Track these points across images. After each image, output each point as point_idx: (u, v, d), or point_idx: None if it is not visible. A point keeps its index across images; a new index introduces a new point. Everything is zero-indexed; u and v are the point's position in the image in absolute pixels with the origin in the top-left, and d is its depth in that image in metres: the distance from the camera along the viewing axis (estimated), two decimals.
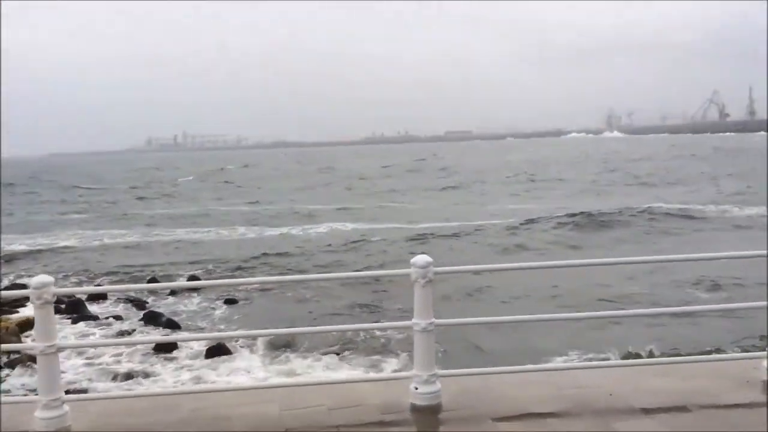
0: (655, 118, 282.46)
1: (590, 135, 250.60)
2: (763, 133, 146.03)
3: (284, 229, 29.23)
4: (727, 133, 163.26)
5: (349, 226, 29.42)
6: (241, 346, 12.00)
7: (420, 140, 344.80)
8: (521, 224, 25.79)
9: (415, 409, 4.63)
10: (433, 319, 4.64)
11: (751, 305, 5.03)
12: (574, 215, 25.89)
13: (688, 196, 34.28)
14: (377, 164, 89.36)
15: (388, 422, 4.46)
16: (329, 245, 23.83)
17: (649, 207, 27.57)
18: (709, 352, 8.94)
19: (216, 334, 12.44)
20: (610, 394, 4.71)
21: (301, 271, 19.47)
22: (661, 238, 22.16)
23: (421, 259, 4.65)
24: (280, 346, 11.92)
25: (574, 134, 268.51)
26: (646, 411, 4.44)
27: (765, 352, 4.85)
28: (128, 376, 11.11)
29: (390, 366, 10.82)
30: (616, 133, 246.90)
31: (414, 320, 4.67)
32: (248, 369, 11.47)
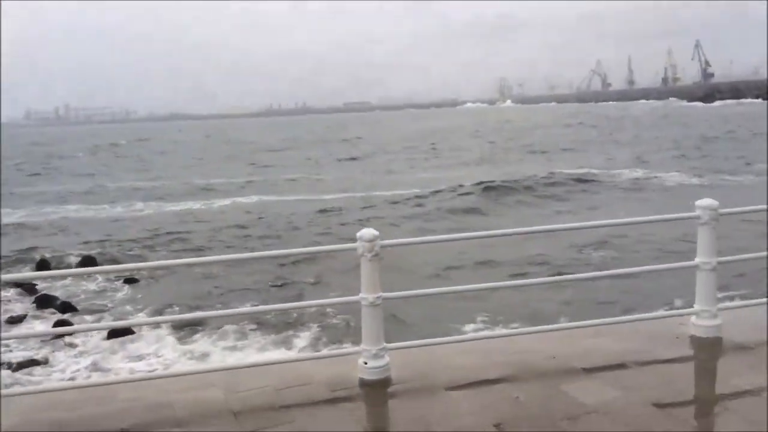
0: (544, 87, 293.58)
1: (485, 105, 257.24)
2: (643, 101, 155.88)
3: (185, 204, 28.20)
4: (610, 102, 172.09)
5: (254, 198, 28.83)
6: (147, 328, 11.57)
7: (318, 112, 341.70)
8: (431, 193, 26.11)
9: (365, 384, 4.57)
10: (381, 293, 4.58)
11: (681, 265, 5.29)
12: (480, 183, 26.40)
13: (582, 161, 35.90)
14: (278, 136, 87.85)
15: (341, 398, 4.38)
16: (235, 220, 23.20)
17: (551, 173, 28.60)
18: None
19: (156, 319, 11.58)
20: (553, 357, 4.84)
21: (199, 249, 18.76)
22: (564, 203, 23.05)
23: (368, 232, 4.55)
24: (185, 326, 11.55)
25: (469, 104, 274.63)
26: (588, 371, 4.59)
27: (693, 309, 5.12)
28: (21, 366, 10.40)
29: (301, 342, 10.80)
30: (509, 103, 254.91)
31: (362, 295, 4.59)
32: (157, 352, 11.07)
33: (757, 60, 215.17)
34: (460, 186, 26.71)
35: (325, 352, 4.95)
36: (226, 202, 28.29)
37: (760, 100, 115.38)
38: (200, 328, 11.66)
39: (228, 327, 11.42)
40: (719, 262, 4.98)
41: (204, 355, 10.71)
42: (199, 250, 18.51)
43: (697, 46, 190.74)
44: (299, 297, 12.82)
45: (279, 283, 14.60)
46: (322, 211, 23.86)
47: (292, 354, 7.82)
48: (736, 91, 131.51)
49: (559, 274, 11.71)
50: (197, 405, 4.33)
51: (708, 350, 4.91)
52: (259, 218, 23.37)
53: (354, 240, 4.55)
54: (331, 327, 11.01)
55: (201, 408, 4.29)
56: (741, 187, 24.23)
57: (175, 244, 19.63)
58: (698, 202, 4.97)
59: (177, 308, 13.23)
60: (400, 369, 4.68)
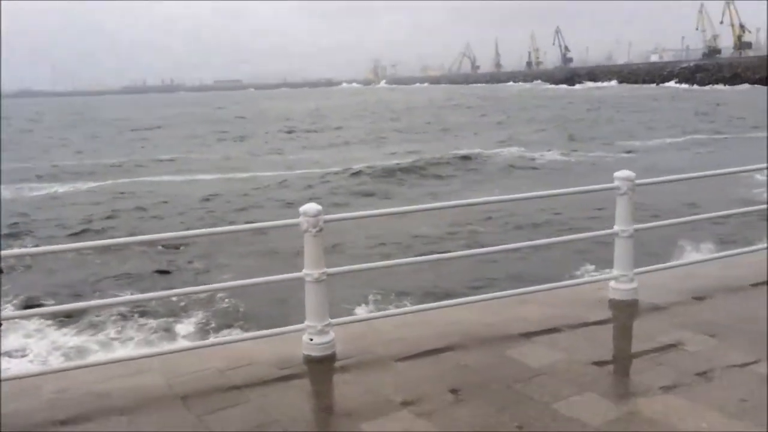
0: (416, 69, 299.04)
1: (360, 86, 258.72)
2: (511, 83, 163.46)
3: (52, 188, 26.12)
4: (479, 84, 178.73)
5: (126, 180, 27.23)
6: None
7: (186, 89, 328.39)
8: (324, 176, 25.74)
9: (311, 360, 4.51)
10: (326, 269, 4.52)
11: (600, 234, 5.60)
12: (371, 167, 26.36)
13: (462, 141, 36.96)
14: (147, 116, 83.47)
15: (288, 376, 4.29)
16: (101, 203, 21.78)
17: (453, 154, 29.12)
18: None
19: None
20: (490, 325, 5.00)
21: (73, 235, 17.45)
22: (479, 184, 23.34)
23: (312, 207, 4.47)
24: (59, 315, 10.74)
25: (344, 85, 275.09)
26: (527, 336, 4.80)
27: (611, 274, 5.47)
28: None
29: (185, 328, 10.47)
30: (383, 84, 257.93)
31: (305, 271, 4.50)
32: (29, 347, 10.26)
33: (610, 47, 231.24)
34: (349, 169, 26.48)
35: (265, 331, 4.75)
36: (99, 184, 26.53)
37: (614, 82, 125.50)
38: (72, 319, 10.87)
39: (105, 317, 10.76)
40: (635, 230, 5.34)
41: (82, 350, 10.06)
42: (73, 237, 17.23)
43: (557, 32, 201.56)
44: (193, 283, 12.43)
45: (167, 269, 13.91)
46: (203, 200, 22.67)
47: (231, 336, 7.47)
48: (593, 75, 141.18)
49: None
50: (138, 392, 4.09)
51: (629, 311, 5.28)
52: (137, 206, 22.00)
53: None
54: (221, 312, 10.78)
55: (143, 395, 4.05)
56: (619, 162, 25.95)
57: (44, 230, 18.11)
58: (616, 174, 5.29)
59: (52, 301, 12.26)
60: (344, 344, 4.66)
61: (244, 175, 27.28)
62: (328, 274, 4.52)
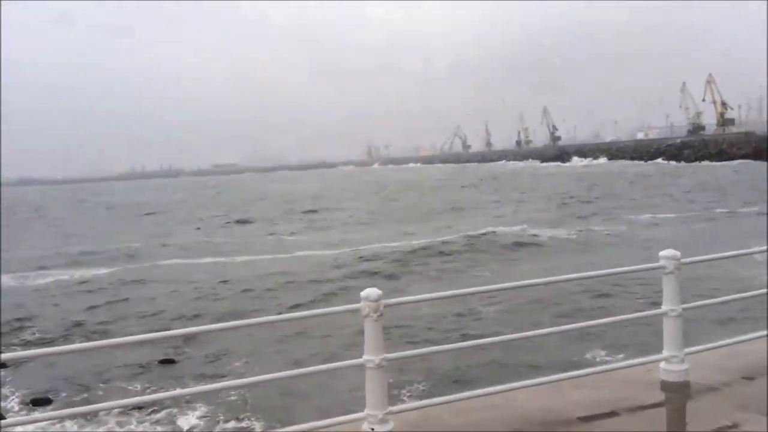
0: (409, 149, 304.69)
1: (354, 167, 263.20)
2: (504, 161, 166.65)
3: (58, 275, 25.90)
4: (472, 164, 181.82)
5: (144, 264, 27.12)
6: None
7: (185, 174, 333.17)
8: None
9: None
10: (385, 354, 4.50)
11: (651, 313, 5.61)
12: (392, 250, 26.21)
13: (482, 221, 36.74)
14: (152, 199, 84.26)
15: None
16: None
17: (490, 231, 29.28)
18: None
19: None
20: (549, 410, 4.95)
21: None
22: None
23: (373, 292, 4.50)
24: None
25: (341, 167, 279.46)
26: (586, 420, 4.75)
27: (662, 355, 5.45)
28: None
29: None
30: (376, 165, 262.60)
31: (366, 357, 4.48)
32: None
33: (596, 126, 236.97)
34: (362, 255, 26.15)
35: (323, 421, 4.66)
36: (109, 270, 26.41)
37: (604, 159, 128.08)
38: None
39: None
40: (684, 309, 5.36)
41: None
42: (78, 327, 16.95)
43: (545, 112, 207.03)
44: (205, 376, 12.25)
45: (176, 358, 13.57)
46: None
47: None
48: (582, 152, 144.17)
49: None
50: None
51: (683, 393, 5.24)
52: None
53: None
54: (227, 404, 10.59)
55: None
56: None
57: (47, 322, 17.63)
58: (662, 253, 5.37)
59: (58, 395, 11.92)
60: None
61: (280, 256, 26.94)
62: (389, 360, 4.50)
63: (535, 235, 28.09)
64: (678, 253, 5.32)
